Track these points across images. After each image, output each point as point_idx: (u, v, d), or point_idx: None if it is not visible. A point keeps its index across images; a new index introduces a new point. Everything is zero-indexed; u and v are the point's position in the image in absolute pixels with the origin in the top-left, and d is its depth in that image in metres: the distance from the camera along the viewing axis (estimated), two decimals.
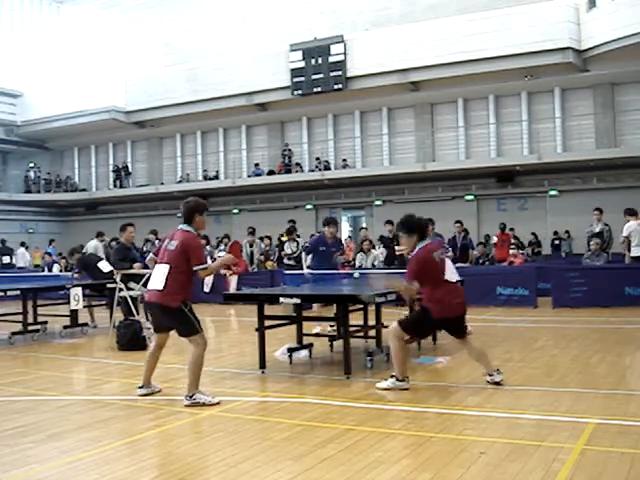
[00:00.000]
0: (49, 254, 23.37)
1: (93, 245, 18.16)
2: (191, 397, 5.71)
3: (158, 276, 5.88)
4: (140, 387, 6.17)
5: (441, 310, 6.06)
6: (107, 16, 30.60)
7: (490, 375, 6.13)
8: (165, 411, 5.55)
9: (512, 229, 19.00)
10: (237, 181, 26.60)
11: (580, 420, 4.86)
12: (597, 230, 13.78)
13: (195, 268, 5.82)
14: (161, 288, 5.79)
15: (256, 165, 26.95)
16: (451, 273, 6.25)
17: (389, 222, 15.59)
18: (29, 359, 8.82)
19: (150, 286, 6.02)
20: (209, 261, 7.13)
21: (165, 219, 25.98)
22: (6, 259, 23.35)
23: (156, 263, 6.12)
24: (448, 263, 6.32)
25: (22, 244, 25.19)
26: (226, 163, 28.47)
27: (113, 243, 12.30)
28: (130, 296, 10.00)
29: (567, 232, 21.34)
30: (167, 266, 5.83)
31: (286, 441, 4.62)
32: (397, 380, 6.12)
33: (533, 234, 21.60)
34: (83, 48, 30.24)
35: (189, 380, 5.76)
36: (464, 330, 6.38)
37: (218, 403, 5.70)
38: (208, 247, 17.60)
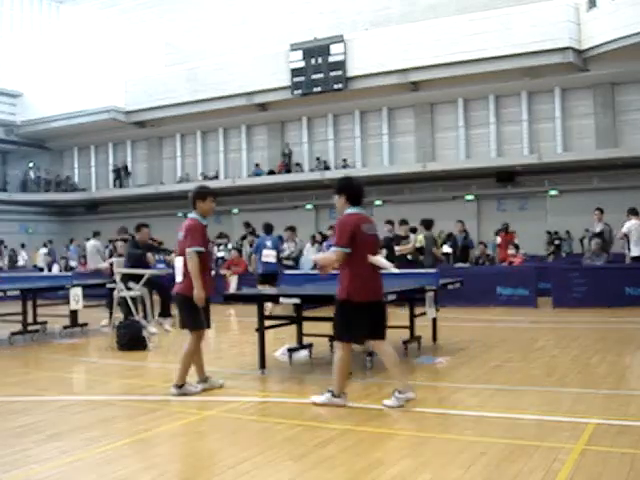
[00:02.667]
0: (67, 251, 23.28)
1: (92, 244, 18.23)
2: (180, 387, 5.97)
3: (177, 268, 6.06)
4: (199, 382, 6.25)
5: (363, 292, 5.38)
6: (107, 16, 30.59)
7: (400, 392, 5.37)
8: (165, 411, 5.55)
9: (514, 231, 18.96)
10: (237, 181, 26.59)
11: (580, 420, 4.86)
12: (598, 230, 13.79)
13: (188, 249, 5.91)
14: (180, 280, 6.01)
15: (256, 165, 26.95)
16: (377, 259, 5.62)
17: (389, 222, 15.58)
18: (29, 359, 8.82)
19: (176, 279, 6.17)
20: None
21: (165, 219, 25.95)
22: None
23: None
24: (376, 245, 5.76)
25: (22, 245, 25.27)
26: (226, 163, 28.46)
27: (118, 243, 12.32)
28: (130, 296, 10.00)
29: (567, 232, 21.34)
30: (181, 258, 6.01)
31: (286, 441, 4.62)
32: (333, 396, 5.49)
33: (550, 232, 21.09)
34: (83, 48, 30.23)
35: (180, 372, 5.97)
36: (384, 326, 5.65)
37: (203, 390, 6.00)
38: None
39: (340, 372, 5.47)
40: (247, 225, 17.28)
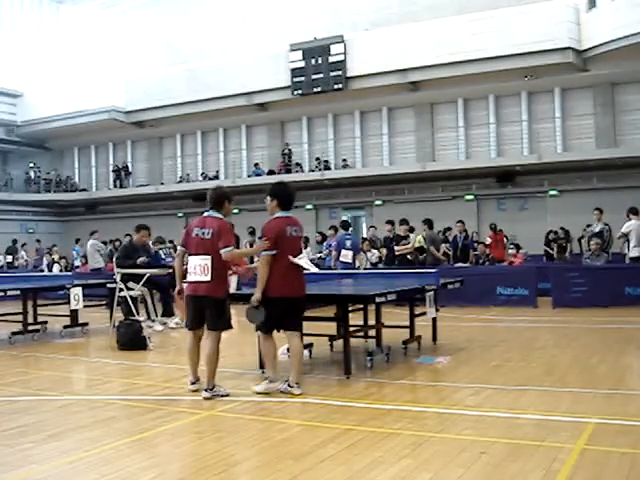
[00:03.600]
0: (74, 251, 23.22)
1: (91, 244, 18.29)
2: (212, 389, 5.95)
3: (199, 267, 5.88)
4: (192, 383, 6.25)
5: (282, 289, 5.82)
6: (107, 16, 30.58)
7: (286, 383, 5.94)
8: (165, 411, 5.55)
9: (501, 230, 18.87)
10: (237, 181, 26.59)
11: (580, 420, 4.86)
12: (597, 230, 13.79)
13: (222, 251, 5.85)
14: (208, 279, 5.85)
15: (256, 165, 26.94)
16: (299, 259, 6.01)
17: (390, 222, 15.59)
18: (29, 359, 8.81)
19: (192, 278, 5.96)
20: None
21: (165, 219, 25.99)
22: (9, 258, 23.52)
23: (185, 255, 6.21)
24: (299, 246, 6.18)
25: (22, 245, 25.26)
26: (226, 163, 28.46)
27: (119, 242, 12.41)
28: (130, 296, 10.01)
29: (567, 232, 21.29)
30: (209, 257, 5.86)
31: (286, 441, 4.62)
32: (270, 381, 6.03)
33: (562, 229, 20.58)
34: (83, 48, 30.22)
35: (208, 374, 5.94)
36: (300, 321, 6.15)
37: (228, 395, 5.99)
38: None
39: (267, 358, 6.10)
40: (252, 233, 17.36)
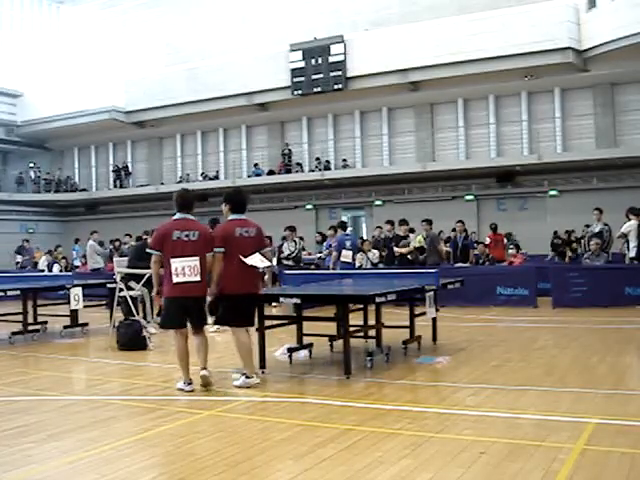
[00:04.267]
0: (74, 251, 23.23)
1: (90, 244, 18.32)
2: (247, 377, 6.32)
3: (188, 269, 6.17)
4: (189, 383, 6.30)
5: (233, 286, 6.24)
6: (107, 16, 30.59)
7: (247, 377, 6.31)
8: (165, 411, 5.55)
9: (510, 233, 18.91)
10: (237, 181, 26.57)
11: (580, 420, 4.86)
12: (597, 230, 13.79)
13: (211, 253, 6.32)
14: (199, 279, 6.21)
15: (256, 165, 26.94)
16: (250, 258, 6.32)
17: (389, 222, 15.58)
18: (29, 359, 8.82)
19: (181, 279, 6.16)
20: None
21: (165, 219, 25.71)
22: (18, 258, 23.57)
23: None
24: (252, 246, 6.43)
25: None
26: (226, 163, 28.46)
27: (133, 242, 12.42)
28: (130, 296, 10.00)
29: (567, 232, 21.29)
30: (197, 258, 6.20)
31: (286, 441, 4.62)
32: (247, 377, 6.31)
33: (567, 232, 19.95)
34: (83, 48, 30.23)
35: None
36: (252, 316, 6.55)
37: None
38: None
39: (239, 351, 6.35)
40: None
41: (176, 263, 6.11)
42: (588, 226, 15.56)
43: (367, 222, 25.09)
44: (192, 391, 6.21)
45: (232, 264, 6.26)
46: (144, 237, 12.07)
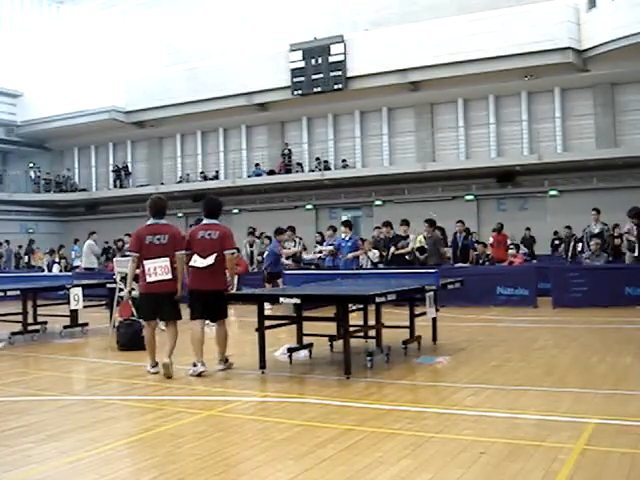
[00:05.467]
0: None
1: (88, 244, 18.34)
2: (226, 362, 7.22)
3: (160, 269, 6.97)
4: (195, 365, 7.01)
5: (191, 282, 7.09)
6: (107, 16, 30.59)
7: (226, 362, 7.22)
8: (165, 411, 5.56)
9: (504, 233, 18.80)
10: (237, 181, 26.60)
11: (580, 420, 4.86)
12: (596, 231, 13.77)
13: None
14: (170, 277, 6.99)
15: (256, 165, 26.95)
16: (200, 258, 7.01)
17: (386, 224, 15.55)
18: (29, 359, 8.82)
19: (153, 278, 6.96)
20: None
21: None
22: (26, 258, 23.62)
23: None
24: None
25: (20, 247, 25.28)
26: (226, 163, 28.46)
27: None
28: (130, 296, 9.98)
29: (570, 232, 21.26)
30: (167, 258, 6.97)
31: (286, 441, 4.62)
32: (193, 365, 6.95)
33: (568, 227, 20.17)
34: (83, 48, 30.23)
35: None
36: (216, 310, 7.17)
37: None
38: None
39: (193, 344, 7.03)
40: (251, 233, 17.39)
41: (148, 264, 6.92)
42: (589, 226, 15.52)
43: (367, 222, 25.08)
44: (156, 373, 7.01)
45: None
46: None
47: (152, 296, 6.95)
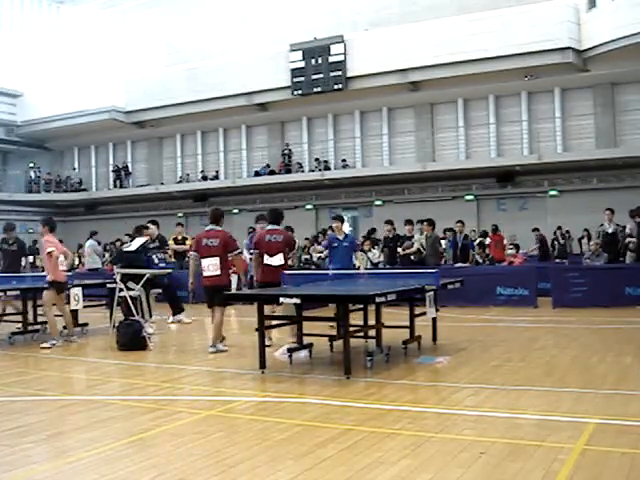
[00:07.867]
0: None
1: (89, 244, 18.34)
2: (214, 346, 8.32)
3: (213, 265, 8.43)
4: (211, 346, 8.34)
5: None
6: (107, 16, 30.59)
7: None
8: (165, 411, 5.55)
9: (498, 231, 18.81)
10: (237, 181, 26.60)
11: (580, 420, 4.86)
12: (610, 230, 13.66)
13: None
14: (218, 274, 8.41)
15: (268, 166, 26.91)
16: (269, 257, 8.57)
17: (388, 222, 15.55)
18: (29, 359, 8.82)
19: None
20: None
21: (165, 219, 25.86)
22: (30, 259, 23.60)
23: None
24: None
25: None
26: (226, 163, 28.47)
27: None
28: (130, 296, 9.99)
29: (567, 232, 21.31)
30: (217, 258, 8.40)
31: (286, 441, 4.62)
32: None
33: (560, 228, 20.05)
34: (83, 48, 30.23)
35: (215, 334, 8.43)
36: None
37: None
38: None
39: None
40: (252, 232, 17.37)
41: (204, 262, 8.42)
42: (601, 225, 15.46)
43: (367, 222, 25.05)
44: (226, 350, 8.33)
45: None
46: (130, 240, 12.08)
47: (207, 288, 8.47)
